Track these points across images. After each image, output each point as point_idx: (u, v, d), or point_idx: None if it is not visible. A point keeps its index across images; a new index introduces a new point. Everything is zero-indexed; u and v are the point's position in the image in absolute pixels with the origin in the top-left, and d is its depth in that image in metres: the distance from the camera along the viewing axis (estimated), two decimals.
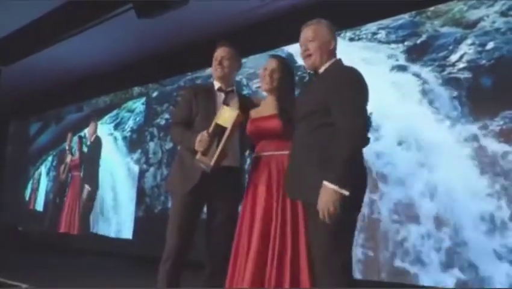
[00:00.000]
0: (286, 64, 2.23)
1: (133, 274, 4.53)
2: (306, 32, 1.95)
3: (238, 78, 4.08)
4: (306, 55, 1.93)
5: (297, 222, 1.97)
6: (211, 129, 2.06)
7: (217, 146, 2.04)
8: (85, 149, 7.11)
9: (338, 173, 1.67)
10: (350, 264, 1.78)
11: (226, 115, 2.04)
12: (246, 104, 2.34)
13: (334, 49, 1.95)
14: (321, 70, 1.93)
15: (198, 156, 2.06)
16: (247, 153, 2.48)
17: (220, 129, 2.05)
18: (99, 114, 6.99)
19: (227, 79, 2.35)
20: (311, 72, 2.02)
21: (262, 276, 1.95)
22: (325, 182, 1.67)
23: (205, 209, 2.32)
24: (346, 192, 1.66)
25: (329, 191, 1.66)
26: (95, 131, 6.98)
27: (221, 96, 2.32)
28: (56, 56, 5.82)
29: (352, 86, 1.78)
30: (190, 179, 2.17)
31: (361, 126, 1.73)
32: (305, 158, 1.82)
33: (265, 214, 2.01)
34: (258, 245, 1.97)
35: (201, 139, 2.06)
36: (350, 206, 1.72)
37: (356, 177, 1.75)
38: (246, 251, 2.02)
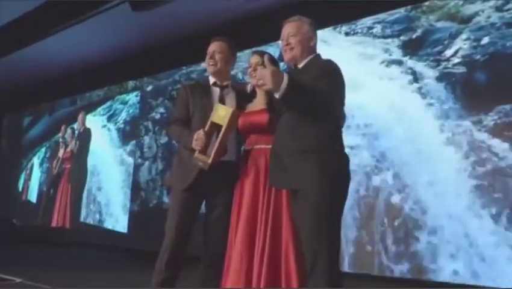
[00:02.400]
0: (269, 57, 2.22)
1: (127, 268, 4.54)
2: (288, 28, 1.97)
3: (233, 72, 4.05)
4: (288, 48, 1.95)
5: (281, 216, 1.98)
6: (207, 127, 2.06)
7: (214, 143, 2.05)
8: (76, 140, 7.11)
9: None
10: (337, 252, 1.77)
11: (221, 113, 2.04)
12: (243, 98, 2.32)
13: (315, 45, 1.99)
14: (301, 65, 1.96)
15: (196, 154, 2.06)
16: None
17: (216, 127, 2.05)
18: (91, 106, 6.96)
19: (221, 74, 2.33)
20: (291, 66, 2.03)
21: (251, 272, 1.95)
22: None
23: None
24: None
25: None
26: (83, 122, 6.97)
27: (217, 91, 2.30)
28: (50, 50, 5.78)
29: (331, 78, 1.83)
30: (187, 176, 2.18)
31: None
32: (288, 147, 1.84)
33: (252, 209, 2.02)
34: (245, 241, 1.99)
35: (197, 138, 2.06)
36: (341, 192, 1.78)
37: (345, 162, 1.83)
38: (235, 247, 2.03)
